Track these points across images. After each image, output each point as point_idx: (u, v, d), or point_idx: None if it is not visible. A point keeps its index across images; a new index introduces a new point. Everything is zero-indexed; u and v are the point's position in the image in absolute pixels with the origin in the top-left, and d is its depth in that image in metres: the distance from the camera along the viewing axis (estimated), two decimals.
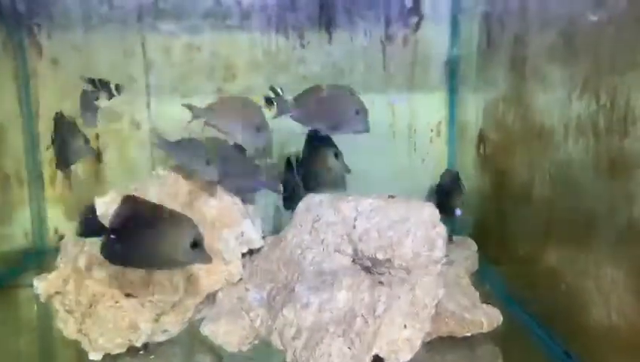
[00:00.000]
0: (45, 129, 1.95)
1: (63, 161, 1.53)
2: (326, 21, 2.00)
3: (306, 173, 1.54)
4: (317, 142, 1.52)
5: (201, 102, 1.90)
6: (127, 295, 1.19)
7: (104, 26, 1.92)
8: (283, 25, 1.98)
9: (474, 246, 1.62)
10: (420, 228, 1.15)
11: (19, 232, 1.91)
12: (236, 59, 1.97)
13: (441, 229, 1.18)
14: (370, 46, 2.00)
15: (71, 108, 1.92)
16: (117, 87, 1.58)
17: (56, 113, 1.58)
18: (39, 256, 1.90)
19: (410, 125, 2.07)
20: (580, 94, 1.15)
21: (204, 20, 1.96)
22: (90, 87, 1.58)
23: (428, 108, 2.06)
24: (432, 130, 2.08)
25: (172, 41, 1.95)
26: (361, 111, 1.44)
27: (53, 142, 1.57)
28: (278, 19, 1.98)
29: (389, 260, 1.14)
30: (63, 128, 1.53)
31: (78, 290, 1.18)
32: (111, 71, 1.95)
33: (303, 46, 2.01)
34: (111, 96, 1.58)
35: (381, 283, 1.15)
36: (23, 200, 1.95)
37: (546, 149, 1.29)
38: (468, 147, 1.91)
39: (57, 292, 1.20)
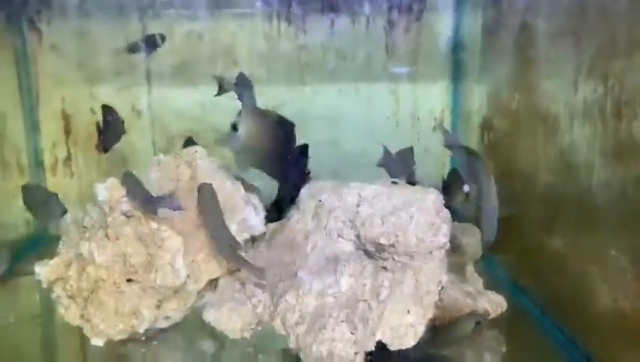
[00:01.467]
0: (45, 116, 1.96)
1: (106, 143, 1.59)
2: (328, 7, 1.98)
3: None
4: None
5: (202, 89, 1.92)
6: (129, 280, 1.19)
7: (104, 12, 1.90)
8: (285, 11, 1.97)
9: (477, 234, 1.61)
10: (424, 214, 1.14)
11: (20, 220, 1.91)
12: (237, 46, 1.96)
13: (445, 215, 1.17)
14: (372, 33, 1.99)
15: (71, 94, 1.94)
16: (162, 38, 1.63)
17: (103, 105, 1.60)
18: (40, 244, 1.89)
19: (414, 114, 2.06)
20: (586, 77, 1.14)
21: (205, 7, 1.95)
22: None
23: (431, 97, 2.05)
24: (435, 119, 2.07)
25: (173, 28, 1.94)
26: None
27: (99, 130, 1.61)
28: (279, 5, 1.96)
29: (392, 246, 1.13)
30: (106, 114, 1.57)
31: (79, 276, 1.17)
32: (111, 57, 1.95)
33: (304, 32, 1.99)
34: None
35: (384, 268, 1.14)
36: None
37: (551, 135, 1.28)
38: (472, 135, 1.89)
39: (59, 278, 1.19)
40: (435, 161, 2.04)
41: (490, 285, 1.37)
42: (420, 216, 1.14)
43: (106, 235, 1.18)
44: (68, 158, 2.01)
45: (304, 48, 1.99)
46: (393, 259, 1.14)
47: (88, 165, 2.00)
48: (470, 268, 1.43)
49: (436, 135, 2.07)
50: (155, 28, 1.93)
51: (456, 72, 2.00)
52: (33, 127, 1.96)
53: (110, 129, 1.56)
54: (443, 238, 1.12)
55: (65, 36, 1.92)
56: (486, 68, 1.76)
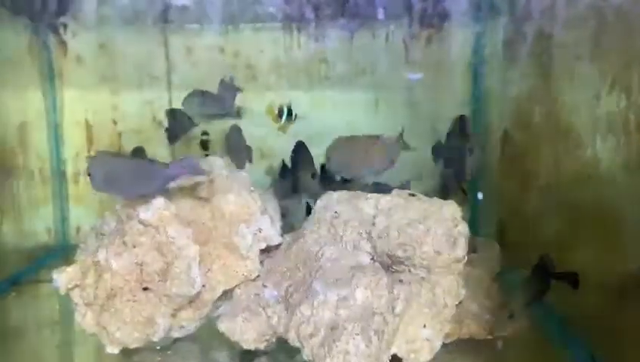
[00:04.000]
0: (68, 126, 1.99)
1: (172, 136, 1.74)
2: (348, 19, 1.99)
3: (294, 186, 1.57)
4: (298, 159, 1.56)
5: None
6: (145, 289, 1.19)
7: (127, 24, 1.94)
8: (305, 24, 1.98)
9: (496, 248, 1.58)
10: (441, 226, 1.13)
11: (41, 229, 1.94)
12: (257, 59, 1.98)
13: (463, 227, 1.15)
14: (392, 45, 1.99)
15: (94, 105, 1.98)
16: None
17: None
18: (61, 253, 1.92)
19: (433, 126, 2.04)
20: (610, 90, 1.12)
21: (227, 20, 1.97)
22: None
23: (451, 109, 2.03)
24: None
25: (194, 41, 1.97)
26: None
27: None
28: (299, 18, 1.97)
29: (409, 258, 1.12)
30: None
31: (96, 283, 1.18)
32: (134, 69, 1.98)
33: (324, 44, 2.00)
34: None
35: (401, 281, 1.13)
36: (46, 198, 1.97)
37: (573, 148, 1.26)
38: (492, 148, 1.87)
39: (76, 285, 1.20)
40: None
41: (510, 300, 1.34)
42: (437, 228, 1.12)
43: (123, 243, 1.19)
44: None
45: (324, 61, 2.00)
46: (410, 271, 1.13)
47: None
48: (488, 283, 1.40)
49: None
50: (176, 41, 1.97)
51: (477, 85, 1.98)
52: (56, 137, 1.99)
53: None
54: (461, 251, 1.11)
55: (89, 48, 1.96)
56: (507, 80, 1.74)
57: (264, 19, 1.97)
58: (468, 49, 1.97)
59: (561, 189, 1.33)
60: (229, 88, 1.64)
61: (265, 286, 1.27)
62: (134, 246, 1.19)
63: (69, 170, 2.02)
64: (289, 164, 1.61)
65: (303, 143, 1.57)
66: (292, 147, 1.63)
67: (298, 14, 1.96)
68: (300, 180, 1.52)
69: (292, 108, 1.62)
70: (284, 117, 1.61)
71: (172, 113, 1.75)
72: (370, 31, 1.99)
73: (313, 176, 1.53)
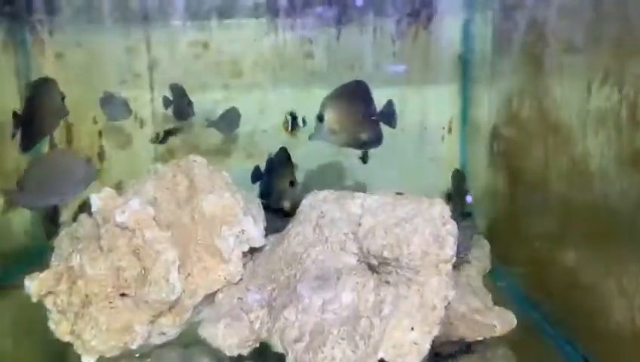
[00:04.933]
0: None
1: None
2: (335, 15, 1.95)
3: (267, 192, 1.50)
4: (276, 166, 1.48)
5: (207, 98, 1.90)
6: (122, 295, 1.14)
7: (108, 21, 1.89)
8: (290, 19, 1.94)
9: (486, 246, 1.55)
10: (429, 226, 1.09)
11: (19, 231, 1.88)
12: (243, 55, 1.94)
13: (452, 227, 1.11)
14: (380, 41, 1.95)
15: (74, 103, 1.92)
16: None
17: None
18: (39, 256, 1.86)
19: (421, 123, 2.01)
20: (601, 85, 1.08)
21: (210, 16, 1.92)
22: None
23: (439, 105, 2.00)
24: (443, 128, 2.02)
25: (177, 37, 1.92)
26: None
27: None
28: (285, 14, 1.93)
29: (396, 259, 1.07)
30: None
31: (70, 290, 1.13)
32: (115, 67, 1.93)
33: (310, 41, 1.96)
34: None
35: (387, 282, 1.08)
36: None
37: (563, 144, 1.23)
38: (480, 145, 1.84)
39: (49, 292, 1.15)
40: (443, 170, 1.99)
41: (500, 300, 1.31)
42: (424, 228, 1.08)
43: (99, 247, 1.14)
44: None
45: (310, 56, 1.96)
46: (397, 273, 1.08)
47: None
48: (478, 282, 1.37)
49: (445, 144, 2.02)
50: (159, 37, 1.92)
51: (466, 80, 1.95)
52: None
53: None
54: (449, 251, 1.07)
55: (68, 46, 1.90)
56: (496, 75, 1.71)
57: (248, 14, 1.93)
58: (457, 41, 1.94)
59: (551, 186, 1.29)
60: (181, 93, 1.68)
61: (248, 289, 1.23)
62: (110, 251, 1.14)
63: None
64: (267, 169, 1.54)
65: (285, 149, 1.51)
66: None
67: (284, 8, 1.92)
68: (277, 188, 1.43)
69: (296, 114, 1.56)
70: (289, 125, 1.56)
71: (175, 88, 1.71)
72: (358, 26, 1.95)
73: (292, 184, 1.44)
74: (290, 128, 1.54)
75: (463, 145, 2.01)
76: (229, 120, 1.78)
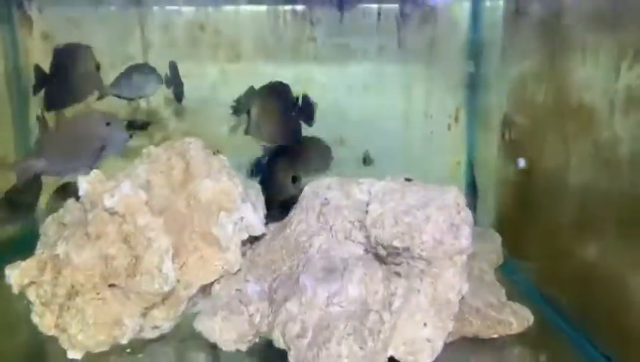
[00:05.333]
0: (37, 111, 1.85)
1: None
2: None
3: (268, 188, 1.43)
4: (278, 161, 1.46)
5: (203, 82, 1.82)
6: (111, 285, 1.06)
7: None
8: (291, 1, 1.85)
9: (498, 239, 1.47)
10: (443, 213, 1.01)
11: None
12: (241, 37, 1.85)
13: (467, 215, 1.03)
14: (384, 24, 1.87)
15: None
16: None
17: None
18: (31, 244, 1.77)
19: (426, 111, 1.93)
20: (631, 64, 1.00)
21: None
22: None
23: (446, 92, 1.92)
24: (449, 116, 1.94)
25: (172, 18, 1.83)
26: None
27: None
28: None
29: (406, 249, 1.00)
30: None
31: (55, 280, 1.05)
32: (107, 49, 1.83)
33: (312, 24, 1.87)
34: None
35: (398, 274, 1.01)
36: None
37: (585, 130, 1.15)
38: (490, 133, 1.76)
39: (32, 282, 1.06)
40: (449, 160, 1.92)
41: (512, 294, 1.23)
42: (438, 216, 1.00)
43: (86, 234, 1.06)
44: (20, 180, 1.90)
45: (312, 40, 1.88)
46: (408, 264, 1.01)
47: None
48: (491, 276, 1.29)
49: (451, 133, 1.95)
50: (153, 17, 1.83)
51: (475, 65, 1.86)
52: (23, 123, 1.84)
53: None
54: (465, 241, 0.99)
55: (58, 25, 1.81)
56: (508, 59, 1.62)
57: None
58: (464, 23, 1.86)
59: (571, 174, 1.21)
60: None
61: (247, 280, 1.15)
62: (98, 238, 1.06)
63: None
64: (265, 163, 1.50)
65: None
66: None
67: None
68: (277, 183, 1.40)
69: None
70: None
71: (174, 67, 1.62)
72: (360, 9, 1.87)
73: (294, 179, 1.41)
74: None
75: (470, 133, 1.93)
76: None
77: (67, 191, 1.43)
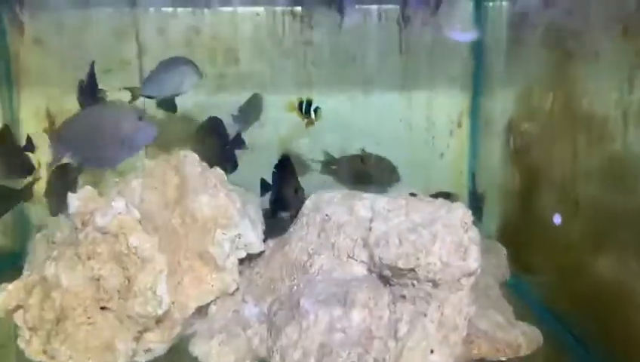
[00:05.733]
0: (27, 116, 1.80)
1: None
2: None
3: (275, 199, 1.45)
4: (281, 173, 1.44)
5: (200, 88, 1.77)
6: (103, 308, 1.01)
7: (94, 2, 1.75)
8: (290, 4, 1.80)
9: (503, 252, 1.42)
10: (450, 233, 0.96)
11: None
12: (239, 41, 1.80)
13: (475, 234, 0.98)
14: (384, 28, 1.82)
15: (57, 95, 1.78)
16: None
17: None
18: (20, 258, 1.72)
19: (429, 116, 1.89)
20: None
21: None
22: None
23: (449, 97, 1.88)
24: (452, 122, 1.89)
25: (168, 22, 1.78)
26: None
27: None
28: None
29: (412, 270, 0.95)
30: None
31: (42, 303, 1.00)
32: (101, 53, 1.78)
33: (311, 27, 1.82)
34: None
35: (403, 297, 0.96)
36: None
37: (596, 140, 1.10)
38: (493, 140, 1.72)
39: (19, 306, 1.01)
40: (451, 166, 1.88)
41: (521, 312, 1.19)
42: (445, 235, 0.96)
43: (76, 254, 1.01)
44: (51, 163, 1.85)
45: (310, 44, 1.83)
46: (413, 286, 0.96)
47: None
48: (497, 293, 1.25)
49: (453, 139, 1.90)
50: (149, 21, 1.78)
51: (477, 70, 1.82)
52: (13, 127, 1.79)
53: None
54: (474, 263, 0.94)
55: (50, 29, 1.76)
56: (513, 64, 1.57)
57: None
58: (468, 27, 1.81)
59: (581, 186, 1.17)
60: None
61: (245, 301, 1.11)
62: (90, 258, 1.01)
63: None
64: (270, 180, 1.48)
65: (288, 157, 1.44)
66: None
67: None
68: (282, 195, 1.40)
69: (312, 101, 1.55)
70: (309, 112, 1.55)
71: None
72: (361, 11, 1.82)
73: (296, 191, 1.40)
74: (309, 115, 1.55)
75: (473, 140, 1.89)
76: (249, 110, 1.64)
77: (66, 171, 1.42)
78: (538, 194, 1.39)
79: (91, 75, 1.49)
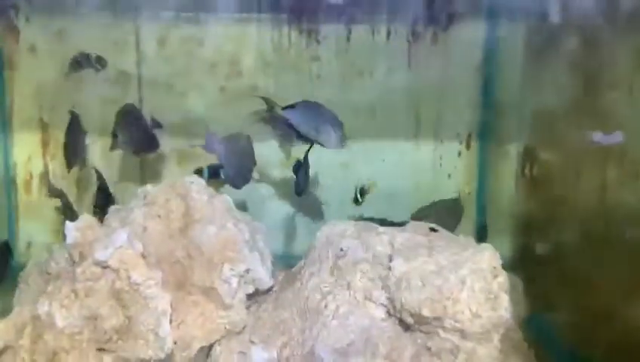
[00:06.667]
0: (20, 125, 1.72)
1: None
2: (345, 14, 1.75)
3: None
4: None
5: (200, 101, 1.70)
6: (100, 350, 0.93)
7: (91, 9, 1.67)
8: (296, 17, 1.74)
9: (520, 287, 1.35)
10: (479, 279, 0.90)
11: None
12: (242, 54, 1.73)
13: (504, 279, 0.92)
14: (394, 44, 1.76)
15: (51, 104, 1.71)
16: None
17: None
18: (9, 274, 1.64)
19: (436, 136, 1.83)
20: None
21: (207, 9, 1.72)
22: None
23: (457, 117, 1.82)
24: (460, 143, 1.84)
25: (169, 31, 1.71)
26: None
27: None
28: (290, 10, 1.73)
29: (438, 319, 0.88)
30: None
31: (34, 345, 0.91)
32: None
33: (318, 42, 1.76)
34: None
35: (429, 349, 0.89)
36: None
37: (631, 176, 1.04)
38: (505, 166, 1.66)
39: (8, 347, 0.93)
40: (458, 188, 1.82)
41: (542, 357, 1.12)
42: (474, 282, 0.90)
43: (73, 292, 0.93)
44: (45, 174, 1.76)
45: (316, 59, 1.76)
46: (439, 335, 0.89)
47: (68, 182, 1.75)
48: (517, 334, 1.18)
49: (461, 160, 1.84)
50: (149, 30, 1.71)
51: (488, 90, 1.76)
52: (5, 137, 1.71)
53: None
54: (505, 313, 0.88)
55: (46, 37, 1.68)
56: (529, 85, 1.51)
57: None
58: (479, 45, 1.75)
59: (612, 224, 1.11)
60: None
61: (252, 342, 1.03)
62: (87, 296, 0.93)
63: (20, 176, 1.74)
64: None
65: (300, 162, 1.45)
66: None
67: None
68: None
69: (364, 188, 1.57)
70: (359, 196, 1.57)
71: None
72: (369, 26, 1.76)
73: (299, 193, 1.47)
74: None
75: (481, 163, 1.83)
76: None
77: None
78: (562, 230, 1.32)
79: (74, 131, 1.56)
